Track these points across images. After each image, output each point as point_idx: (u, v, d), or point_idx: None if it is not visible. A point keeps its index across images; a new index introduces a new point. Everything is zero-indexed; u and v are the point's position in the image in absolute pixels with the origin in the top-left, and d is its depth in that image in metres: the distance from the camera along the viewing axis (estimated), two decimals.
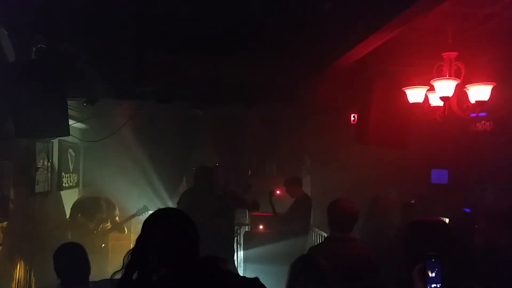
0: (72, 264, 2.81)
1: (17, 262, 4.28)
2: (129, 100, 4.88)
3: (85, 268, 2.87)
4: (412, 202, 5.08)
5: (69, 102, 4.49)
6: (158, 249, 1.84)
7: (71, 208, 5.59)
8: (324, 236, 6.10)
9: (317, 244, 4.76)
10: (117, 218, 5.73)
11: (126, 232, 5.69)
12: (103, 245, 5.37)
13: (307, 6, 3.41)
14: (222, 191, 5.08)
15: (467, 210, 5.02)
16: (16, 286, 4.26)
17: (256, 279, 1.90)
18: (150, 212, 5.74)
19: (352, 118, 5.81)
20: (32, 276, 4.40)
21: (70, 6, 3.49)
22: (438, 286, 1.86)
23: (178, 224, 1.88)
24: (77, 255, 2.89)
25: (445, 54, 3.32)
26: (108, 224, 5.56)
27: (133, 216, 5.61)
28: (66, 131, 4.09)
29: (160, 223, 1.91)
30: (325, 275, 2.42)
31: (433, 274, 1.86)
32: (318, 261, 2.51)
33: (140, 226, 2.11)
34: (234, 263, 5.34)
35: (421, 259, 1.91)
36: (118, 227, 5.59)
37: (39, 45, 4.01)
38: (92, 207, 5.51)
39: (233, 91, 4.62)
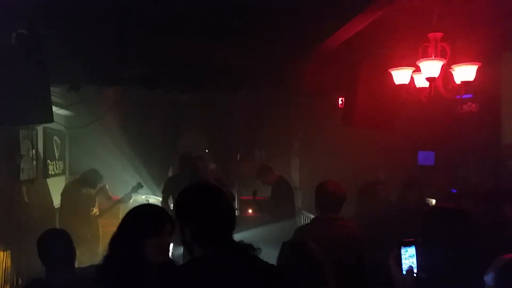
0: (56, 249, 2.77)
1: (4, 251, 4.25)
2: (112, 85, 4.80)
3: (70, 253, 2.83)
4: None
5: (52, 89, 4.41)
6: (198, 228, 1.72)
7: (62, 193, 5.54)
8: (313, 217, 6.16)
9: (305, 224, 4.79)
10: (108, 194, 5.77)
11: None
12: (92, 233, 5.36)
13: None
14: (204, 179, 5.06)
15: (454, 190, 5.08)
16: (4, 274, 4.23)
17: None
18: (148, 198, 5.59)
19: (340, 102, 5.82)
20: (18, 264, 4.37)
21: None
22: (414, 270, 1.91)
23: (220, 199, 1.77)
24: (61, 240, 2.84)
25: (431, 35, 3.31)
26: (96, 211, 5.55)
27: (129, 194, 5.61)
28: (49, 117, 4.02)
29: (203, 200, 1.76)
30: (318, 260, 2.43)
31: (408, 260, 1.92)
32: (310, 246, 2.52)
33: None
34: None
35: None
36: (107, 211, 5.58)
37: (19, 31, 3.91)
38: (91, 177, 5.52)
39: (219, 76, 4.58)
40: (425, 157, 6.06)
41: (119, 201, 5.65)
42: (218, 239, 1.71)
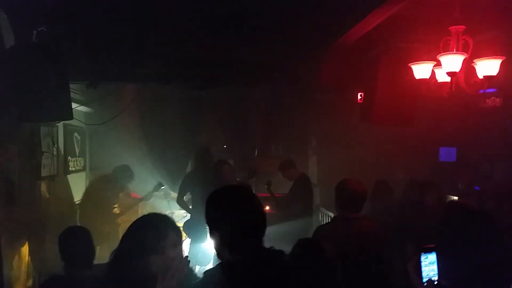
0: (76, 247, 2.82)
1: (26, 246, 4.33)
2: (130, 82, 4.83)
3: (90, 251, 2.89)
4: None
5: (72, 86, 4.47)
6: (228, 231, 1.67)
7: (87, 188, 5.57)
8: (331, 216, 6.10)
9: (325, 223, 4.73)
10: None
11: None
12: (112, 230, 5.40)
13: None
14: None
15: (477, 188, 4.96)
16: (26, 269, 4.32)
17: None
18: (164, 188, 5.56)
19: (359, 97, 5.73)
20: (39, 260, 4.45)
21: None
22: (435, 278, 1.84)
23: (253, 205, 1.71)
24: (82, 238, 2.91)
25: (452, 28, 3.22)
26: (117, 209, 5.59)
27: (150, 193, 5.61)
28: (69, 114, 4.07)
29: (232, 205, 1.72)
30: (328, 260, 2.39)
31: (429, 268, 1.84)
32: (322, 245, 2.49)
33: (150, 208, 2.03)
34: None
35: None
36: (128, 210, 5.62)
37: (40, 28, 3.96)
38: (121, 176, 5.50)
39: (236, 71, 4.56)
40: (447, 153, 5.94)
41: (140, 199, 5.67)
42: (247, 245, 1.67)
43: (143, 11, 3.80)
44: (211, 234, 1.73)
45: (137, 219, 2.04)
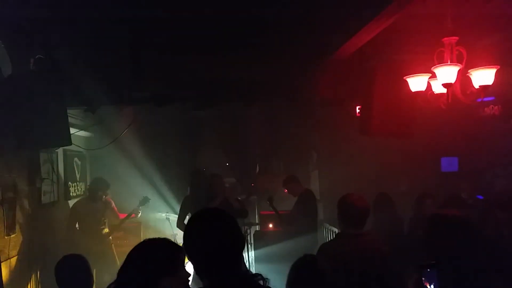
0: (73, 276, 2.78)
1: (28, 273, 4.29)
2: (129, 105, 4.85)
3: (87, 280, 2.84)
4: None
5: (70, 111, 4.49)
6: (203, 258, 1.67)
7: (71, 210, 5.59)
8: (335, 231, 6.04)
9: (329, 241, 4.68)
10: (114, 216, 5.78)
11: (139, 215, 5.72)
12: (105, 250, 5.37)
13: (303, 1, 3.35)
14: (221, 198, 5.01)
15: (480, 197, 4.92)
16: None
17: None
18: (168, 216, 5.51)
19: (358, 110, 5.73)
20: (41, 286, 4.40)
21: (64, 15, 3.47)
22: None
23: (229, 230, 1.70)
24: (78, 267, 2.85)
25: (446, 40, 3.23)
26: (106, 229, 5.57)
27: (136, 209, 5.67)
28: (67, 140, 4.07)
29: (208, 228, 1.70)
30: (324, 275, 2.37)
31: (431, 286, 1.79)
32: (317, 261, 2.46)
33: (152, 231, 2.02)
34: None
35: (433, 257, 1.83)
36: (117, 228, 5.60)
37: (37, 56, 4.00)
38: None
39: (233, 89, 4.57)
40: (449, 163, 5.91)
41: (128, 215, 5.68)
42: (222, 270, 1.66)
43: (139, 34, 3.83)
44: (189, 259, 1.74)
45: (142, 244, 2.01)
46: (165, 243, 1.99)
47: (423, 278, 1.79)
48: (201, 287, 1.71)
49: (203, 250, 1.67)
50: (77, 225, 5.48)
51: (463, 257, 1.81)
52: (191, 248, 1.72)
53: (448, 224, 2.20)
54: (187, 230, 1.75)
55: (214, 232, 1.68)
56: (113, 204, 5.79)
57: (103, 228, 5.56)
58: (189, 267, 1.93)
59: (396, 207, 4.60)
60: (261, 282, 1.70)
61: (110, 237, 5.57)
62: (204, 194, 4.92)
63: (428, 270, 1.81)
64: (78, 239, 5.28)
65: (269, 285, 1.72)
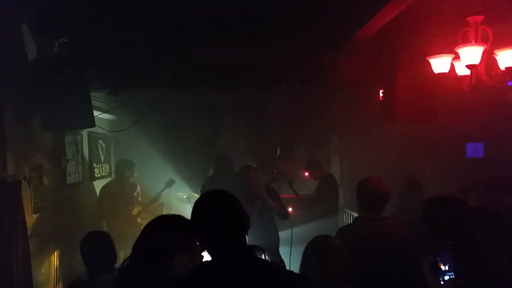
0: (97, 252, 2.88)
1: (54, 252, 4.45)
2: (149, 88, 4.91)
3: (111, 255, 2.93)
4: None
5: (94, 94, 4.58)
6: (207, 234, 1.78)
7: (100, 194, 5.74)
8: (356, 216, 6.01)
9: (348, 224, 4.67)
10: (139, 199, 5.91)
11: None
12: (134, 232, 5.49)
13: None
14: (257, 190, 4.90)
15: None
16: (55, 274, 4.44)
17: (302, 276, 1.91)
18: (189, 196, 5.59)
19: (381, 94, 5.63)
20: (65, 265, 4.56)
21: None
22: (452, 277, 1.76)
23: (231, 210, 1.79)
24: (103, 243, 2.96)
25: (470, 19, 3.12)
26: (135, 210, 5.71)
27: (161, 191, 5.77)
28: (91, 123, 4.18)
29: (213, 207, 1.82)
30: (339, 255, 2.36)
31: (446, 267, 1.76)
32: (331, 241, 2.46)
33: (174, 212, 2.13)
34: (279, 255, 4.86)
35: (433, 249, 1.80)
36: (143, 210, 5.73)
37: (61, 40, 4.08)
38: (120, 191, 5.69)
39: (252, 73, 4.56)
40: (474, 149, 5.75)
41: (155, 197, 5.77)
42: (220, 246, 1.75)
43: (158, 18, 3.85)
44: (195, 236, 1.84)
45: (161, 217, 2.12)
46: (180, 219, 2.06)
47: (438, 259, 1.76)
48: (206, 261, 1.81)
49: (200, 226, 1.79)
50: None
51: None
52: (197, 226, 1.82)
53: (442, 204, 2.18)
54: (195, 210, 1.84)
55: (218, 214, 1.78)
56: (139, 189, 5.92)
57: (132, 209, 5.70)
58: None
59: (424, 192, 4.53)
60: (260, 255, 1.79)
61: (139, 219, 5.69)
62: (229, 181, 4.81)
63: (445, 251, 1.77)
64: (108, 221, 5.44)
65: (265, 256, 1.82)
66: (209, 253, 1.79)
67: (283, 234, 5.08)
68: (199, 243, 1.84)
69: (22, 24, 3.84)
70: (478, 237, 2.00)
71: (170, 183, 5.81)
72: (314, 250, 2.43)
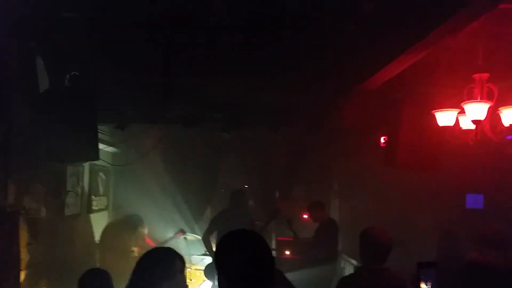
0: None
1: (46, 285, 4.34)
2: (157, 124, 4.96)
3: None
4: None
5: (100, 127, 4.61)
6: (232, 278, 1.67)
7: (103, 231, 5.64)
8: (353, 263, 5.92)
9: (349, 274, 4.59)
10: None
11: None
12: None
13: (333, 28, 3.40)
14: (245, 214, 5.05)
15: None
16: None
17: None
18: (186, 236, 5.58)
19: (382, 141, 5.68)
20: None
21: (100, 36, 3.62)
22: None
23: (260, 253, 1.70)
24: (102, 281, 2.90)
25: (476, 76, 3.21)
26: (135, 251, 5.59)
27: (171, 238, 5.67)
28: (96, 155, 4.18)
29: (240, 251, 1.70)
30: None
31: (428, 285, 1.73)
32: None
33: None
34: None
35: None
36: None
37: (72, 73, 4.15)
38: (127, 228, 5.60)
39: (259, 114, 4.63)
40: (474, 200, 5.77)
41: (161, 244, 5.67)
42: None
43: (170, 56, 3.94)
44: (218, 277, 1.73)
45: (144, 254, 2.43)
46: (166, 252, 2.41)
47: (422, 277, 1.73)
48: None
49: (232, 268, 1.68)
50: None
51: None
52: (221, 263, 1.73)
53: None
54: (219, 246, 1.76)
55: (244, 251, 1.69)
56: (146, 231, 5.83)
57: (133, 250, 5.60)
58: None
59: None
60: None
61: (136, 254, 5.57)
62: (242, 218, 4.91)
63: (426, 269, 1.74)
64: (104, 256, 5.34)
65: None
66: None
67: None
68: (227, 284, 1.70)
69: (37, 57, 3.91)
70: None
71: (178, 232, 5.74)
72: None
